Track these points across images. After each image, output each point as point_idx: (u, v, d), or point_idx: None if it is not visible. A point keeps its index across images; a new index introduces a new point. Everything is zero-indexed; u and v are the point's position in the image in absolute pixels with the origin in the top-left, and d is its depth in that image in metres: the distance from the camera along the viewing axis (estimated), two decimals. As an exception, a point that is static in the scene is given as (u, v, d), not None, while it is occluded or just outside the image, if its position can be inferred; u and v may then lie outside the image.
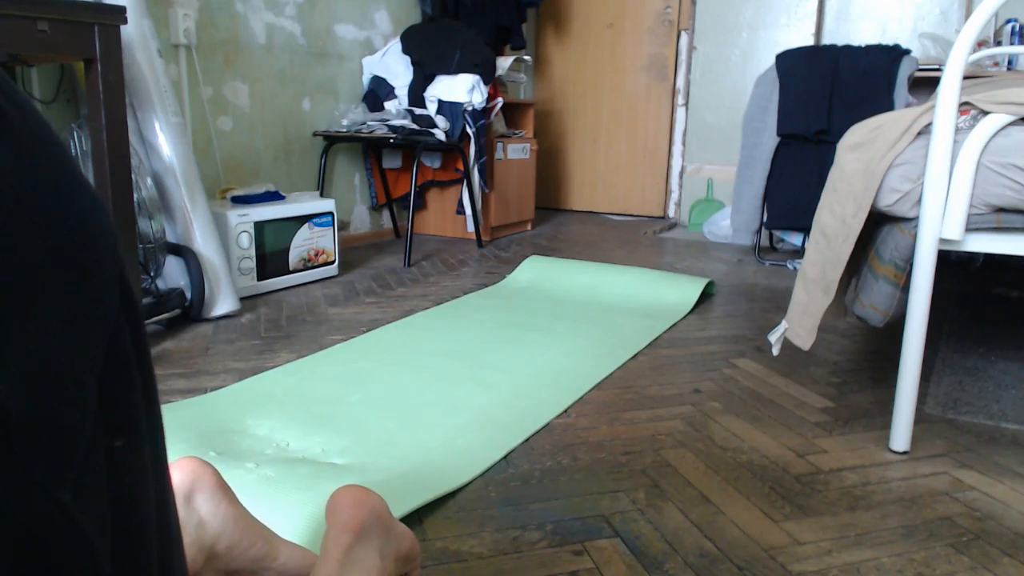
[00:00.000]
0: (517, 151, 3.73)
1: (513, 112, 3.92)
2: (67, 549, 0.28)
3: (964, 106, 1.27)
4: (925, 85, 3.23)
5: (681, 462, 1.30)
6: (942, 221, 1.25)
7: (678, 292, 2.42)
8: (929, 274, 1.27)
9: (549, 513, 1.12)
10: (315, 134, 3.10)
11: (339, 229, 2.91)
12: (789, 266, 3.15)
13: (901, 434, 1.35)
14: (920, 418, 1.48)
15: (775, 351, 1.57)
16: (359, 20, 3.33)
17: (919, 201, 1.28)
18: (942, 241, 1.26)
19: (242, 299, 2.29)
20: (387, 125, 3.08)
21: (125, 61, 1.78)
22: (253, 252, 2.38)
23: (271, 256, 2.45)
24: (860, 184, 1.34)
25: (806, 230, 3.07)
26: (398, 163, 3.51)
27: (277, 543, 0.73)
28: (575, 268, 2.68)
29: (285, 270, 2.51)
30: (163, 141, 2.07)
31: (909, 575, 0.98)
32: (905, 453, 1.35)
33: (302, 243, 2.55)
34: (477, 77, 3.19)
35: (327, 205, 2.64)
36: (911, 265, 1.30)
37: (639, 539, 1.05)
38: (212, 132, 2.64)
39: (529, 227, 4.00)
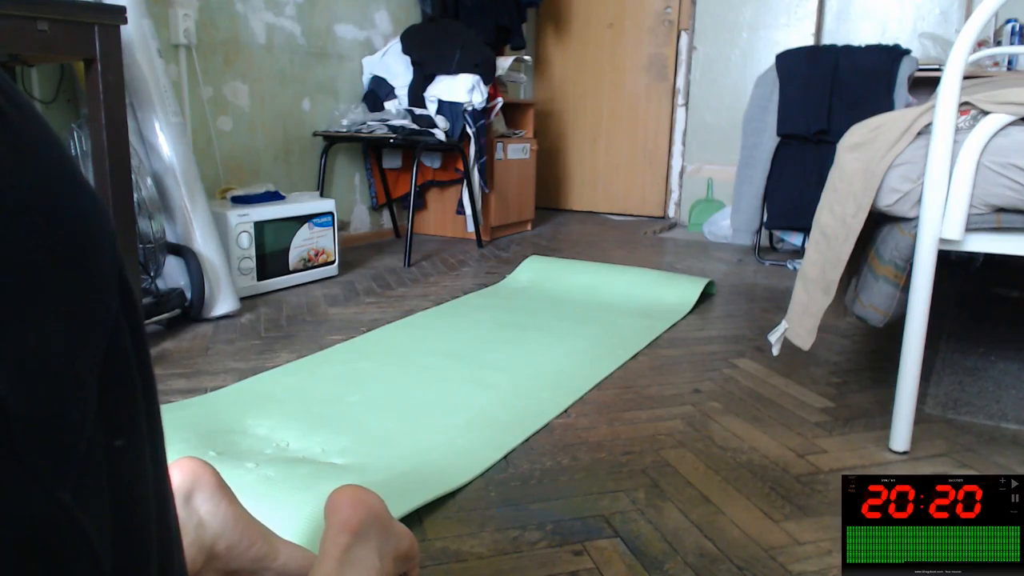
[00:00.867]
0: (517, 151, 3.73)
1: (513, 112, 3.92)
2: (67, 549, 0.28)
3: (964, 106, 1.27)
4: (925, 85, 3.23)
5: (681, 462, 1.30)
6: (942, 221, 1.25)
7: (678, 292, 2.42)
8: (929, 274, 1.27)
9: (549, 513, 1.12)
10: (315, 134, 3.10)
11: (339, 229, 2.91)
12: (789, 266, 3.15)
13: (901, 434, 1.35)
14: (920, 418, 1.48)
15: (775, 351, 1.57)
16: (359, 20, 3.33)
17: (919, 201, 1.28)
18: (942, 241, 1.26)
19: (242, 299, 2.29)
20: (387, 125, 3.08)
21: (125, 61, 1.78)
22: (253, 252, 2.38)
23: (271, 256, 2.45)
24: (860, 184, 1.34)
25: (806, 230, 3.07)
26: (398, 163, 3.51)
27: (277, 543, 0.73)
28: (575, 268, 2.68)
29: (285, 270, 2.51)
30: (163, 141, 2.07)
31: (909, 575, 0.98)
32: (905, 453, 1.35)
33: (302, 243, 2.55)
34: (477, 77, 3.19)
35: (327, 205, 2.64)
36: (911, 265, 1.30)
37: (639, 539, 1.05)
38: (212, 132, 2.64)
39: (529, 227, 4.00)
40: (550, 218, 4.45)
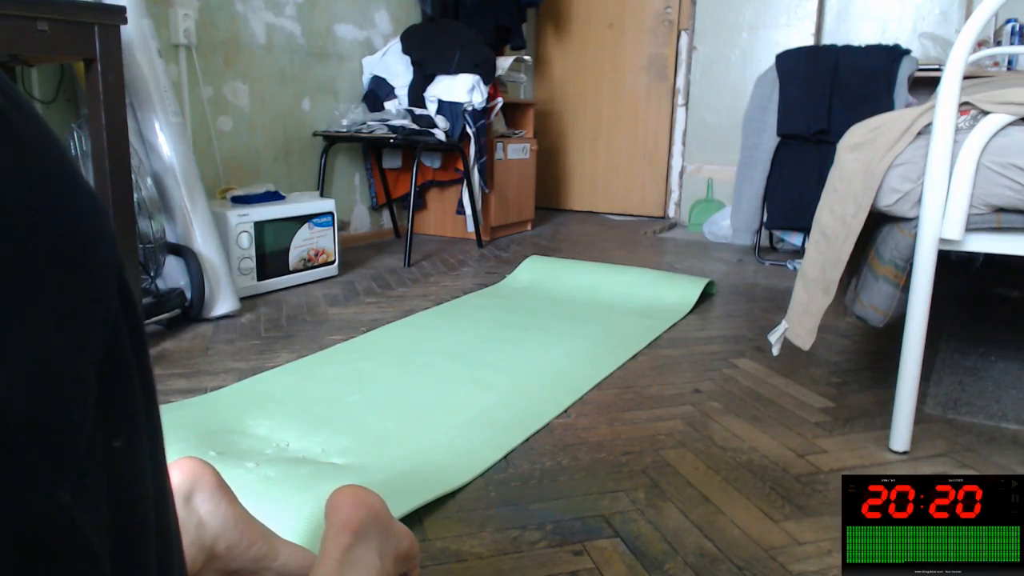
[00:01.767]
0: (517, 151, 3.73)
1: (513, 112, 3.92)
2: (67, 549, 0.28)
3: (964, 106, 1.27)
4: (925, 85, 3.23)
5: (681, 462, 1.30)
6: (942, 221, 1.25)
7: (678, 292, 2.42)
8: (929, 274, 1.27)
9: (549, 513, 1.12)
10: (315, 134, 3.10)
11: (339, 229, 2.91)
12: (789, 266, 3.15)
13: (901, 434, 1.35)
14: (920, 418, 1.48)
15: (775, 351, 1.57)
16: (359, 20, 3.33)
17: (919, 201, 1.28)
18: (942, 241, 1.26)
19: (242, 299, 2.29)
20: (387, 125, 3.08)
21: (125, 61, 1.77)
22: (253, 252, 2.38)
23: (271, 256, 2.45)
24: (860, 184, 1.34)
25: (806, 230, 3.07)
26: (398, 163, 3.51)
27: (277, 543, 0.73)
28: (575, 268, 2.68)
29: (285, 270, 2.51)
30: (163, 141, 2.07)
31: (909, 575, 0.98)
32: (905, 453, 1.35)
33: (302, 243, 2.55)
34: (477, 77, 3.19)
35: (327, 205, 2.64)
36: (911, 265, 1.30)
37: (639, 539, 1.05)
38: (212, 132, 2.64)
39: (529, 227, 4.00)
40: (550, 218, 4.45)
